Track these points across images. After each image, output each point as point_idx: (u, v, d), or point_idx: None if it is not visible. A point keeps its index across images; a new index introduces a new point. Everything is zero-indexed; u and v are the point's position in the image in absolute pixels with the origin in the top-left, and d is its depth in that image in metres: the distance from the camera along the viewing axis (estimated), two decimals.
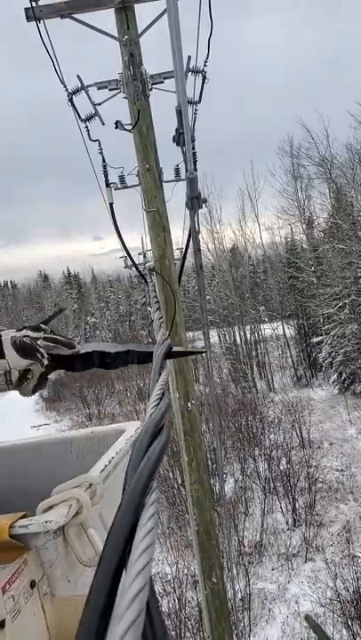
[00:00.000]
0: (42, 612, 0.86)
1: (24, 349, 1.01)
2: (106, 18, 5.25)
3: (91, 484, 0.97)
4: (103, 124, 5.59)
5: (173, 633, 8.36)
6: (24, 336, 1.04)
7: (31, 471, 1.37)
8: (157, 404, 0.59)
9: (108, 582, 0.33)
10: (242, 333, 29.44)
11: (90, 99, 5.45)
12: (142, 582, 0.31)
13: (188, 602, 9.21)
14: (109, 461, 1.11)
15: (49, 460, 1.40)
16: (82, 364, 1.10)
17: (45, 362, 1.02)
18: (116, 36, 5.20)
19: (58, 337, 1.07)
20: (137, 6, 5.22)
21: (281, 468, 13.88)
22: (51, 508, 0.91)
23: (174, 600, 8.89)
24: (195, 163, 4.94)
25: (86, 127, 5.54)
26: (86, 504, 0.92)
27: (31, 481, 1.31)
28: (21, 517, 0.88)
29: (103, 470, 1.07)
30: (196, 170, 4.95)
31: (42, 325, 1.12)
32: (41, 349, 1.02)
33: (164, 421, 0.54)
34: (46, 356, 1.03)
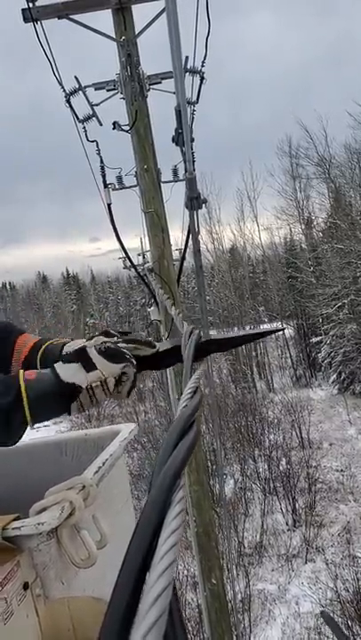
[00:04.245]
0: (35, 614, 0.86)
1: (114, 355, 0.99)
2: (103, 18, 5.25)
3: (84, 486, 0.97)
4: (101, 125, 5.59)
5: None
6: (102, 342, 1.03)
7: (25, 473, 1.37)
8: (189, 400, 0.58)
9: (132, 581, 0.33)
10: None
11: (87, 99, 5.46)
12: (166, 582, 0.31)
13: (188, 603, 9.20)
14: (103, 463, 1.11)
15: (43, 462, 1.40)
16: (164, 361, 1.09)
17: (134, 361, 1.01)
18: (114, 36, 5.20)
19: (137, 338, 1.07)
20: (134, 7, 5.22)
21: (281, 468, 13.87)
22: (44, 510, 0.91)
23: None
24: (193, 163, 4.94)
25: (84, 128, 5.55)
26: (79, 506, 0.91)
27: (25, 483, 1.31)
28: (14, 519, 0.88)
29: (97, 472, 1.07)
30: (194, 170, 4.95)
31: (111, 330, 1.12)
32: (126, 351, 1.01)
33: (194, 418, 0.53)
34: (132, 356, 1.02)
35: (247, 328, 28.27)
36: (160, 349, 1.07)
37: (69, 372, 0.97)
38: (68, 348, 1.19)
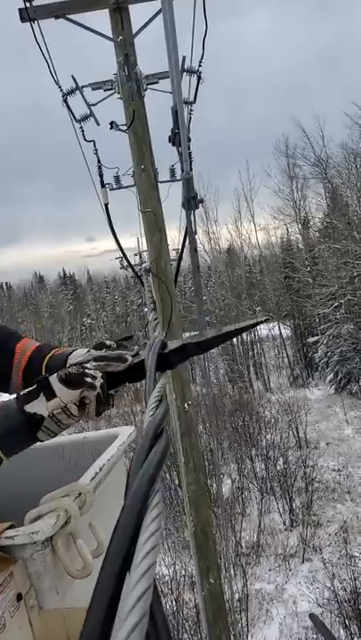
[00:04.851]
0: (29, 626, 0.84)
1: (70, 381, 1.01)
2: (101, 18, 5.24)
3: (80, 494, 0.95)
4: (98, 125, 5.57)
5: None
6: (68, 367, 1.05)
7: (22, 479, 1.35)
8: (155, 409, 0.59)
9: (112, 584, 0.33)
10: None
11: (84, 99, 5.43)
12: (146, 584, 0.31)
13: (186, 603, 9.18)
14: (100, 469, 1.09)
15: (40, 466, 1.37)
16: (139, 372, 1.07)
17: (98, 382, 1.02)
18: (111, 36, 5.18)
19: (107, 354, 1.08)
20: (132, 7, 5.21)
21: (278, 468, 13.87)
22: (38, 518, 0.89)
23: (172, 601, 8.87)
24: (190, 163, 4.93)
25: (81, 128, 5.52)
26: (75, 514, 0.89)
27: (22, 489, 1.28)
28: (8, 528, 0.86)
29: (94, 478, 1.05)
30: (191, 170, 4.93)
31: (106, 342, 1.14)
32: (90, 372, 1.03)
33: (163, 426, 0.55)
34: (98, 375, 1.03)
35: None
36: (133, 362, 1.07)
37: (31, 402, 1.00)
38: (71, 361, 1.21)
